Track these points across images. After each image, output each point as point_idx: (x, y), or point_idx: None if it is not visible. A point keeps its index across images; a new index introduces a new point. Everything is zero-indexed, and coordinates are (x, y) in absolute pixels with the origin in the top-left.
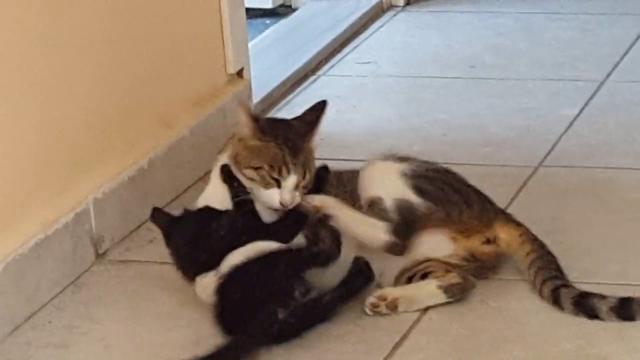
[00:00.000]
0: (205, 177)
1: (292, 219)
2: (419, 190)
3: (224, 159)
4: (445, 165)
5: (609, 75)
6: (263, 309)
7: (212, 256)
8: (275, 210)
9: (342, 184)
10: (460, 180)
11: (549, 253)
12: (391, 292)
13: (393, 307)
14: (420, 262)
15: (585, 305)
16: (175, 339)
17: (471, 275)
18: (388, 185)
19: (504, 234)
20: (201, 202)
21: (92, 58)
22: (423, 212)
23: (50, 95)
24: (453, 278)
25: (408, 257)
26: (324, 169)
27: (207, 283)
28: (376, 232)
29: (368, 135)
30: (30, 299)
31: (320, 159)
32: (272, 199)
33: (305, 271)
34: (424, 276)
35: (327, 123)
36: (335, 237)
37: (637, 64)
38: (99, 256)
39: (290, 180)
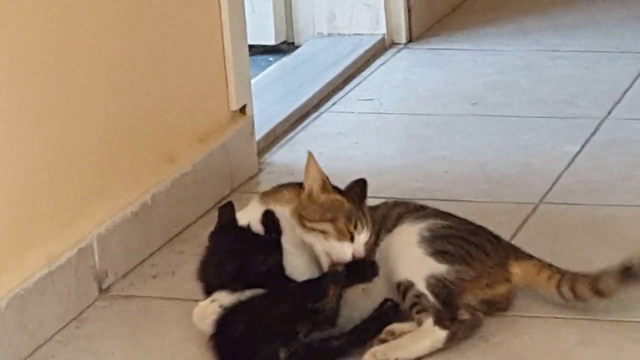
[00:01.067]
0: (207, 213)
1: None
2: (441, 255)
3: (274, 206)
4: (445, 209)
5: (609, 112)
6: (264, 347)
7: (242, 279)
8: (333, 264)
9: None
10: (470, 227)
11: (567, 270)
12: (400, 327)
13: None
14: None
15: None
16: None
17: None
18: (412, 263)
19: (517, 269)
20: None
21: (97, 94)
22: (455, 277)
23: (55, 131)
24: (463, 315)
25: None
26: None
27: (208, 312)
28: (432, 338)
29: (370, 171)
30: (33, 334)
31: None
32: (344, 251)
33: (304, 322)
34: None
35: (328, 159)
36: (339, 296)
37: (637, 102)
38: (102, 291)
39: (364, 235)
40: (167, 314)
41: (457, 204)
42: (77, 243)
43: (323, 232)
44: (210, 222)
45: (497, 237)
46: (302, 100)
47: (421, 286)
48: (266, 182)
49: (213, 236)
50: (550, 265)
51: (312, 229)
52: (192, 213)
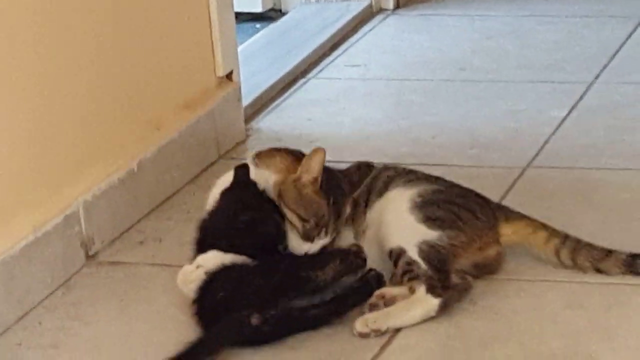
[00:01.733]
0: (194, 179)
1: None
2: (432, 221)
3: (263, 168)
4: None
5: (597, 77)
6: (238, 311)
7: (247, 238)
8: None
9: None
10: (460, 191)
11: (567, 234)
12: (391, 291)
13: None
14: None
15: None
16: (165, 340)
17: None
18: (404, 229)
19: (506, 229)
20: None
21: (83, 61)
22: (447, 243)
23: (41, 99)
24: (454, 279)
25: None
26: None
27: (192, 277)
28: (424, 306)
29: (357, 137)
30: (20, 301)
31: None
32: (299, 246)
33: (292, 291)
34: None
35: (316, 125)
36: (338, 275)
37: (625, 66)
38: (89, 258)
39: (324, 241)
40: (154, 280)
41: (444, 169)
42: (64, 210)
43: (292, 223)
44: (197, 189)
45: (485, 199)
46: (290, 66)
47: (413, 253)
48: (253, 149)
49: (226, 193)
50: (545, 226)
51: (286, 215)
52: (179, 180)
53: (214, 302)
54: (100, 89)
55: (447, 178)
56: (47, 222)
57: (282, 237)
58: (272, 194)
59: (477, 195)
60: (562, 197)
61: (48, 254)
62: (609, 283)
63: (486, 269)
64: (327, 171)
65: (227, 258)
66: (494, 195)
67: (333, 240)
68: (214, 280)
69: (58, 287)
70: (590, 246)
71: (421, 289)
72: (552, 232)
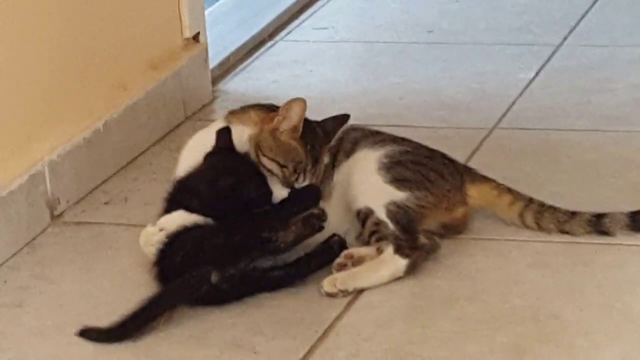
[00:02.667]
0: (161, 140)
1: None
2: (400, 182)
3: (237, 125)
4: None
5: (565, 39)
6: (197, 268)
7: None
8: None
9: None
10: (428, 152)
11: (531, 198)
12: (359, 251)
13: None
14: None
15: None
16: (129, 298)
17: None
18: (371, 190)
19: (472, 191)
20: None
21: (48, 21)
22: (415, 204)
23: (6, 58)
24: (421, 239)
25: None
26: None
27: (154, 240)
28: (392, 267)
29: (325, 99)
30: None
31: None
32: (280, 193)
33: (251, 251)
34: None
35: (283, 87)
36: (300, 237)
37: (592, 28)
38: (54, 218)
39: (302, 185)
40: (119, 240)
41: (412, 130)
42: (28, 170)
43: (270, 171)
44: (163, 150)
45: (451, 160)
46: (257, 29)
47: (381, 214)
48: (220, 110)
49: (209, 156)
50: (510, 190)
51: (263, 164)
52: (145, 140)
53: (174, 264)
54: (66, 49)
55: (414, 139)
56: (11, 181)
57: (265, 203)
58: (249, 150)
59: (444, 156)
60: (529, 158)
61: (13, 213)
62: (574, 242)
63: (453, 229)
64: (306, 126)
65: (190, 219)
66: (460, 156)
67: None
68: (174, 242)
69: (23, 246)
70: (553, 209)
71: (389, 250)
72: (517, 196)
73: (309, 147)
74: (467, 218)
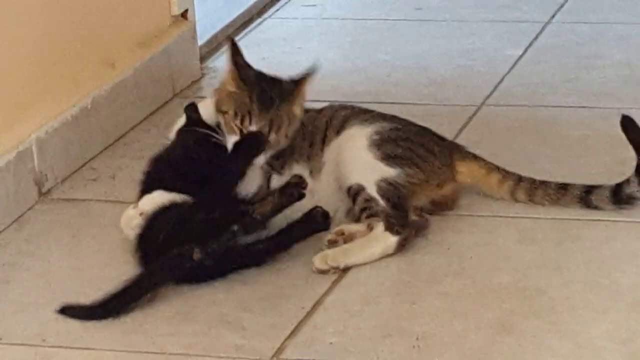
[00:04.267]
0: (149, 117)
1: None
2: (391, 159)
3: (213, 97)
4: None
5: (553, 16)
6: (180, 246)
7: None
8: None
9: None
10: (418, 130)
11: (520, 175)
12: (350, 228)
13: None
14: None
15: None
16: (116, 276)
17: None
18: (363, 166)
19: (462, 168)
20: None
21: None
22: (406, 181)
23: None
24: (411, 217)
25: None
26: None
27: (134, 224)
28: (382, 244)
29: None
30: None
31: None
32: (229, 143)
33: (230, 225)
34: (373, 215)
35: (272, 64)
36: (278, 207)
37: (580, 6)
38: (42, 195)
39: (252, 129)
40: (107, 217)
41: (400, 107)
42: (16, 146)
43: (219, 122)
44: (152, 127)
45: (441, 137)
46: (246, 6)
47: (372, 190)
48: (209, 87)
49: (182, 132)
50: (498, 168)
51: (220, 122)
52: (133, 117)
53: (155, 246)
54: (54, 26)
55: (403, 116)
56: None
57: (236, 175)
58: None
59: (434, 133)
60: (517, 135)
61: (0, 190)
62: (561, 219)
63: (443, 206)
64: (256, 71)
65: (169, 198)
66: (448, 133)
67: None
68: (153, 225)
69: (11, 223)
70: (545, 184)
71: (379, 227)
72: (506, 174)
73: (256, 91)
74: (457, 195)
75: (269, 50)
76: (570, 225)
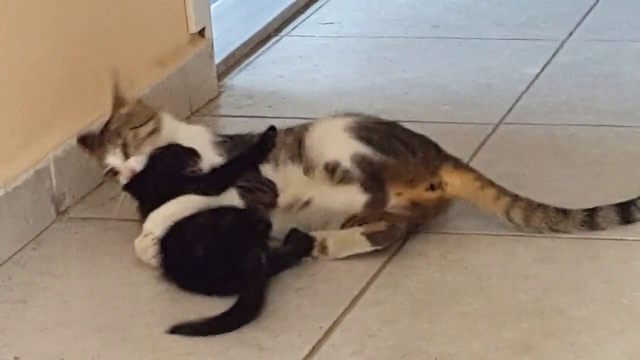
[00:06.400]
0: None
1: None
2: (366, 141)
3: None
4: (399, 122)
5: (571, 34)
6: (247, 256)
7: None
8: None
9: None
10: (405, 130)
11: (517, 194)
12: (321, 234)
13: (322, 248)
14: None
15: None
16: (134, 295)
17: (412, 223)
18: (339, 144)
19: (454, 179)
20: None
21: (54, 16)
22: (378, 161)
23: (10, 51)
24: (378, 227)
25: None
26: (272, 129)
27: (144, 245)
28: (352, 196)
29: (330, 94)
30: None
31: (282, 118)
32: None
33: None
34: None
35: (289, 82)
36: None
37: (598, 24)
38: (60, 214)
39: (111, 162)
40: (125, 236)
41: (417, 126)
42: (34, 165)
43: None
44: None
45: (436, 146)
46: (263, 24)
47: (347, 163)
48: (226, 106)
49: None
50: (494, 184)
51: None
52: None
53: (192, 259)
54: (72, 44)
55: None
56: (17, 177)
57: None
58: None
59: (430, 143)
60: (535, 154)
61: (18, 209)
62: (580, 238)
63: (426, 212)
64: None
65: (168, 213)
66: (466, 152)
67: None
68: (168, 239)
69: (28, 242)
70: (544, 207)
71: (355, 186)
72: (501, 191)
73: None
74: (444, 205)
75: (286, 69)
76: (589, 244)
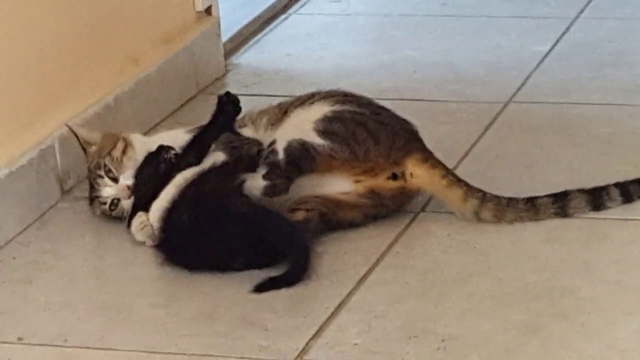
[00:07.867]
0: (173, 114)
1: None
2: (326, 133)
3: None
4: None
5: (581, 12)
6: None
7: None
8: None
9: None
10: (381, 119)
11: (484, 192)
12: None
13: None
14: (308, 198)
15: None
16: (138, 274)
17: (368, 214)
18: (293, 131)
19: (422, 171)
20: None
21: None
22: (325, 152)
23: (16, 31)
24: (299, 216)
25: (305, 192)
26: (226, 94)
27: (138, 222)
28: (256, 181)
29: (338, 72)
30: None
31: (289, 96)
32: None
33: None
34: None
35: (297, 60)
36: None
37: (609, 1)
38: (65, 193)
39: (107, 192)
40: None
41: (425, 104)
42: (38, 144)
43: None
44: (175, 124)
45: (412, 139)
46: (270, 2)
47: (281, 145)
48: (233, 84)
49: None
50: (461, 182)
51: None
52: (156, 114)
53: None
54: (77, 23)
55: (428, 113)
56: (21, 156)
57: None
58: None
59: (403, 130)
60: (544, 132)
61: (23, 188)
62: (588, 218)
63: (385, 200)
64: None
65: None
66: (475, 130)
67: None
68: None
69: (33, 221)
70: (514, 203)
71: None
72: (469, 191)
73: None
74: (406, 195)
75: (293, 47)
76: (598, 224)
